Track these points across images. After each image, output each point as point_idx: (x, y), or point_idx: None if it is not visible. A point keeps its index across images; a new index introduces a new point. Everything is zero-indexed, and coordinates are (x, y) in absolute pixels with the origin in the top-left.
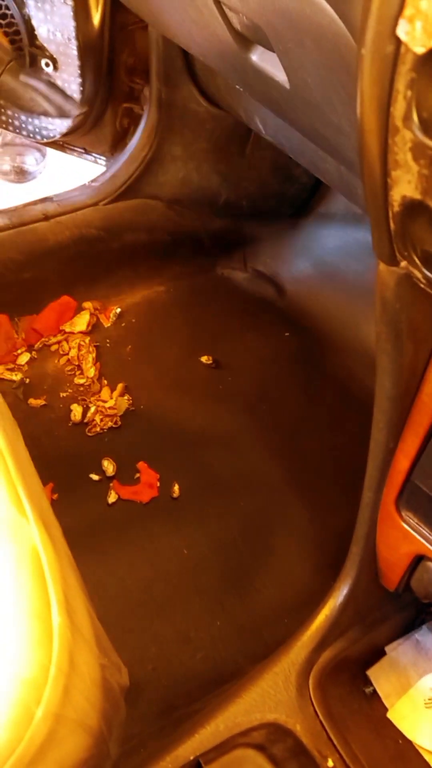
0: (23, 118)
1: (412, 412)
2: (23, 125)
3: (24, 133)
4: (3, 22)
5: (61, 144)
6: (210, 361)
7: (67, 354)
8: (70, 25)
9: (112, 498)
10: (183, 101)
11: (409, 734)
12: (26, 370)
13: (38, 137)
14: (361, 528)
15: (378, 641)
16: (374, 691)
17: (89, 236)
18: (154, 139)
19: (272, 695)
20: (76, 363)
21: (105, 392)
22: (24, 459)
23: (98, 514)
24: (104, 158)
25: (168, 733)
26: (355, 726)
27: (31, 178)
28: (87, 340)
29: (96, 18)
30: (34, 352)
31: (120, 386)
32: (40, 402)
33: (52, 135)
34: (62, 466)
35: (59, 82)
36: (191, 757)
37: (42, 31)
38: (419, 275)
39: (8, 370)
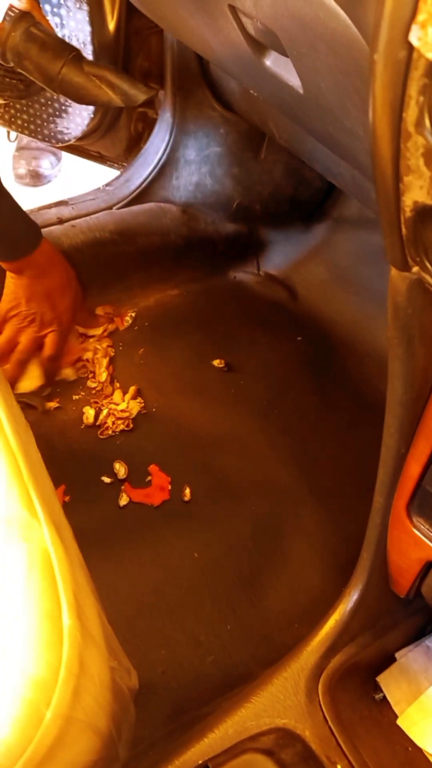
0: (38, 121)
1: (424, 417)
2: (39, 129)
3: (40, 137)
4: None
5: (77, 148)
6: (222, 365)
7: (81, 358)
8: (86, 29)
9: (123, 501)
10: (197, 105)
11: (419, 741)
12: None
13: (54, 141)
14: (372, 533)
15: (388, 647)
16: (384, 697)
17: (103, 240)
18: (168, 144)
19: (281, 700)
20: (91, 368)
21: (117, 395)
22: (36, 461)
23: (109, 516)
24: (119, 162)
25: (177, 737)
26: (365, 732)
27: (47, 181)
28: (104, 344)
29: (111, 23)
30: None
31: (132, 389)
32: (54, 404)
33: (67, 139)
34: (74, 468)
35: None
36: (200, 761)
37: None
38: (431, 280)
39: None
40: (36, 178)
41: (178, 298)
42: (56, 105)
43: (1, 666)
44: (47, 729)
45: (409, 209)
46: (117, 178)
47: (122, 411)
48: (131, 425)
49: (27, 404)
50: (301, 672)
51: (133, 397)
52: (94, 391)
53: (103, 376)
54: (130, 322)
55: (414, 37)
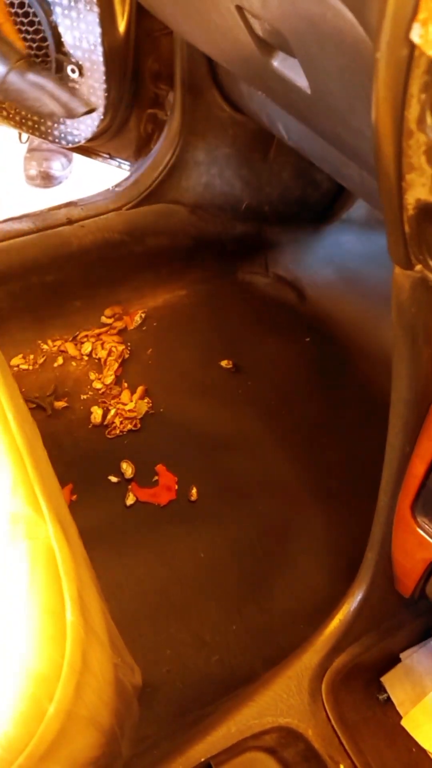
0: (49, 123)
1: (429, 416)
2: (49, 130)
3: (50, 138)
4: (30, 29)
5: (87, 149)
6: (230, 366)
7: (90, 355)
8: (96, 31)
9: (130, 500)
10: (207, 107)
11: (424, 743)
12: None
13: (64, 142)
14: (377, 533)
15: (393, 648)
16: (388, 698)
17: (112, 240)
18: (177, 145)
19: (285, 699)
20: (102, 367)
21: (125, 395)
22: (42, 459)
23: (116, 515)
24: (128, 163)
25: (180, 735)
26: (368, 733)
27: (57, 183)
28: (120, 348)
29: (122, 25)
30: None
31: (140, 389)
32: (62, 404)
33: (77, 140)
34: (82, 467)
35: (85, 88)
36: (202, 759)
37: (68, 38)
38: None
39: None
40: (47, 180)
41: (187, 298)
42: None
43: (3, 661)
44: (49, 724)
45: (412, 207)
46: (126, 178)
47: (130, 411)
48: (139, 425)
49: (37, 405)
50: (305, 671)
51: (141, 397)
52: (101, 391)
53: (109, 378)
54: (139, 322)
55: (415, 35)
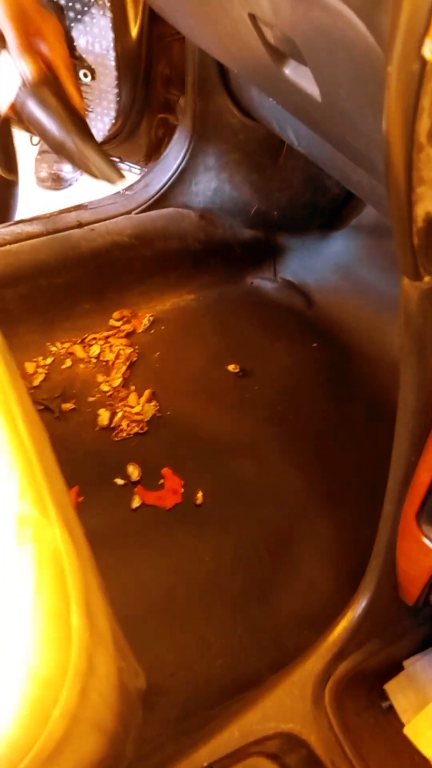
0: None
1: None
2: None
3: None
4: None
5: None
6: (237, 370)
7: (98, 358)
8: (109, 36)
9: (136, 503)
10: (217, 112)
11: (426, 751)
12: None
13: None
14: (382, 541)
15: (396, 655)
16: (391, 705)
17: (121, 244)
18: (188, 150)
19: (288, 705)
20: (110, 369)
21: (132, 398)
22: (50, 462)
23: (122, 518)
24: (139, 167)
25: (184, 738)
26: (371, 740)
27: (68, 185)
28: (128, 351)
29: (134, 30)
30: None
31: (147, 392)
32: (70, 406)
33: None
34: (88, 469)
35: (96, 92)
36: (205, 764)
37: (81, 42)
38: None
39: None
40: (57, 182)
41: (195, 302)
42: None
43: (8, 663)
44: (54, 727)
45: (421, 219)
46: (137, 182)
47: (137, 414)
48: (145, 428)
49: (44, 407)
50: (309, 677)
51: (148, 400)
52: (108, 394)
53: (116, 381)
54: (147, 325)
55: (427, 51)
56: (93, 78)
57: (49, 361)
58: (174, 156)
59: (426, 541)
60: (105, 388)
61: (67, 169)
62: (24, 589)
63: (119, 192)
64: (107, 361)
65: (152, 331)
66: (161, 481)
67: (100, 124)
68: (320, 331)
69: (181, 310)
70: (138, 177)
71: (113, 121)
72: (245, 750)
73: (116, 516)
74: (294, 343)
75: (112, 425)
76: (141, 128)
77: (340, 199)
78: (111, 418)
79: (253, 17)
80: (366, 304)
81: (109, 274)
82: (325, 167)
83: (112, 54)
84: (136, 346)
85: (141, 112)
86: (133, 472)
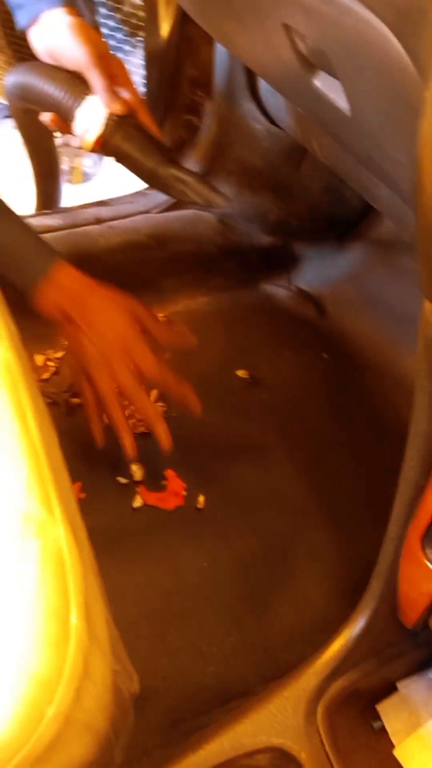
0: None
1: None
2: None
3: None
4: None
5: None
6: (246, 376)
7: None
8: (138, 35)
9: (137, 503)
10: (242, 117)
11: None
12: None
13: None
14: (384, 561)
15: (391, 676)
16: (383, 726)
17: (138, 243)
18: (210, 153)
19: (280, 719)
20: None
21: None
22: (57, 459)
23: (122, 517)
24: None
25: (173, 746)
26: (361, 760)
27: (87, 179)
28: None
29: (164, 30)
30: None
31: (154, 393)
32: (77, 401)
33: None
34: (92, 466)
35: None
36: None
37: (111, 39)
38: None
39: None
40: (78, 176)
41: (208, 305)
42: None
43: (4, 660)
44: (47, 727)
45: None
46: None
47: None
48: None
49: (52, 401)
50: (302, 693)
51: (155, 401)
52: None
53: None
54: None
55: None
56: None
57: (59, 354)
58: (196, 158)
59: (429, 565)
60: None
61: (87, 164)
62: (25, 587)
63: (139, 191)
64: None
65: None
66: (163, 482)
67: None
68: (331, 342)
69: (193, 312)
70: None
71: None
72: (235, 762)
73: (117, 515)
74: (304, 352)
75: None
76: (164, 129)
77: (359, 212)
78: None
79: (287, 27)
80: (379, 318)
81: (124, 272)
82: (346, 179)
83: (140, 52)
84: None
85: (165, 113)
86: (137, 471)
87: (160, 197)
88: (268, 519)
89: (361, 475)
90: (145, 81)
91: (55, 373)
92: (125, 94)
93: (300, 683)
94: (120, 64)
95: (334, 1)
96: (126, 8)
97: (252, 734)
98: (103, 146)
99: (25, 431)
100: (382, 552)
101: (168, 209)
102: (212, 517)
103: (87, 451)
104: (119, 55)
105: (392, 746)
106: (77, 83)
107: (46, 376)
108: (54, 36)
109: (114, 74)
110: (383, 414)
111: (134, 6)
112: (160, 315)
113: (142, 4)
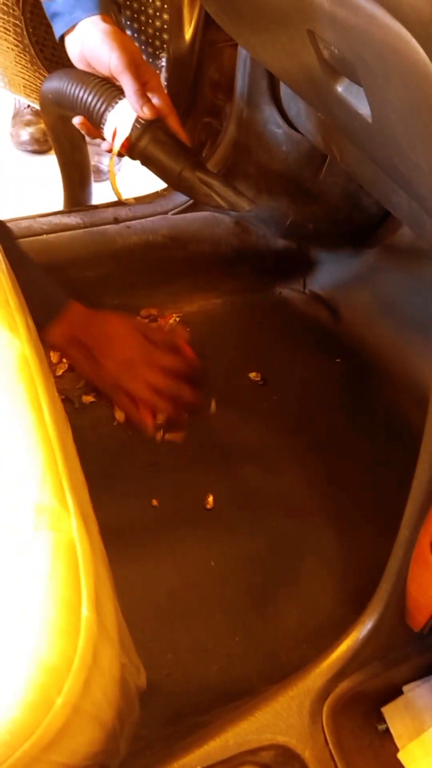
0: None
1: None
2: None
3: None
4: None
5: None
6: (258, 378)
7: None
8: (163, 37)
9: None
10: (263, 122)
11: None
12: None
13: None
14: (394, 565)
15: (396, 680)
16: (387, 729)
17: (155, 243)
18: (229, 156)
19: (285, 718)
20: None
21: None
22: (71, 453)
23: (131, 515)
24: None
25: (176, 740)
26: (364, 762)
27: (107, 177)
28: None
29: (188, 33)
30: None
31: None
32: (90, 398)
33: None
34: (102, 463)
35: None
36: None
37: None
38: None
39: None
40: (97, 174)
41: (222, 307)
42: None
43: (16, 648)
44: (56, 715)
45: None
46: None
47: None
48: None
49: (65, 397)
50: (308, 692)
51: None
52: None
53: None
54: (174, 326)
55: None
56: None
57: None
58: (215, 161)
59: None
60: None
61: (106, 162)
62: (37, 576)
63: (158, 191)
64: None
65: None
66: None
67: None
68: (344, 347)
69: (207, 313)
70: None
71: None
72: (239, 758)
73: (125, 513)
74: (317, 356)
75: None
76: (184, 131)
77: (377, 218)
78: None
79: (312, 33)
80: (393, 325)
81: (140, 272)
82: (365, 185)
83: (164, 55)
84: None
85: (186, 115)
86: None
87: (178, 199)
88: (276, 520)
89: (370, 480)
90: (166, 83)
91: (68, 370)
92: (156, 100)
93: (306, 683)
94: (153, 72)
95: (362, 12)
96: (150, 11)
97: (257, 731)
98: (130, 149)
99: (41, 424)
100: (392, 556)
101: (185, 210)
102: (221, 517)
103: (98, 448)
104: (140, 17)
105: (396, 749)
106: (109, 88)
107: (60, 372)
108: (89, 42)
109: (146, 81)
110: (394, 421)
111: (156, 8)
112: (175, 315)
113: (165, 7)
